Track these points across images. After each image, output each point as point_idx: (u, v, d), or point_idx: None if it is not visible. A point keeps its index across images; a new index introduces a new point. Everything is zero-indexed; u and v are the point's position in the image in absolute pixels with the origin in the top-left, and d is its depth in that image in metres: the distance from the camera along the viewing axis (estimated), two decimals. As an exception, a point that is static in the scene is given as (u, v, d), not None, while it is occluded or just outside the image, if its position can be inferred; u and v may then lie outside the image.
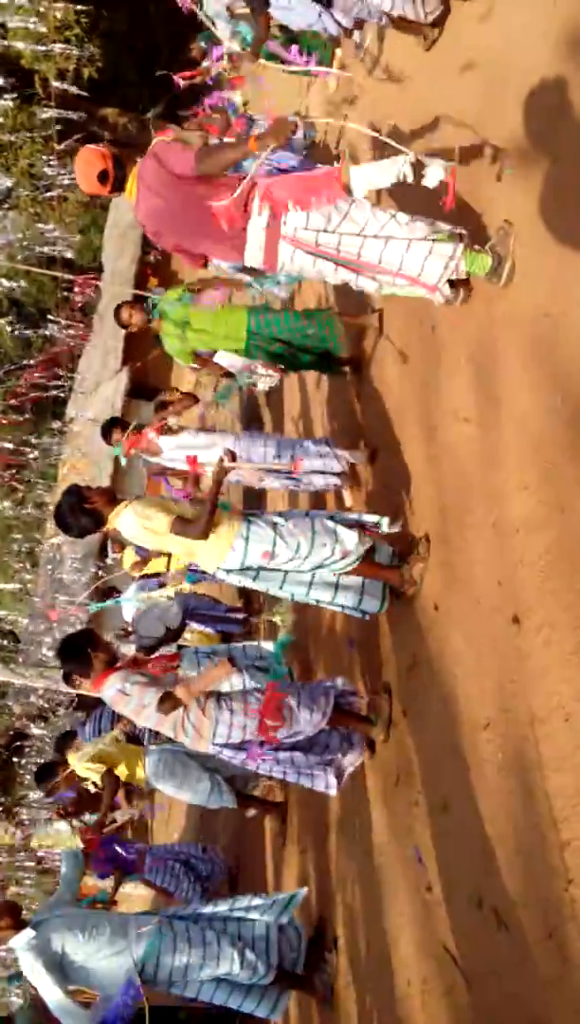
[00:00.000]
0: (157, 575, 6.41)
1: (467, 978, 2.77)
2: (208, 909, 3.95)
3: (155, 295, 5.34)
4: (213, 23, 5.90)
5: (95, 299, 14.46)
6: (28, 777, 11.31)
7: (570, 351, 2.67)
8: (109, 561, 7.01)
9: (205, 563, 3.70)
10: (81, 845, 5.07)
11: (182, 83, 7.27)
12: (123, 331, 12.74)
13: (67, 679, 4.39)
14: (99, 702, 4.83)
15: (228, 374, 5.67)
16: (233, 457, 3.73)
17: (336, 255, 3.27)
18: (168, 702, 3.62)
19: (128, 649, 5.28)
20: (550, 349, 2.79)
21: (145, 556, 6.49)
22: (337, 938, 4.01)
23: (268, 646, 4.13)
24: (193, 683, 3.68)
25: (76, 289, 14.46)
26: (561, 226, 2.87)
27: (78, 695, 11.01)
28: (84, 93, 11.54)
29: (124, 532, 3.76)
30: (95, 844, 5.12)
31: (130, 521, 3.66)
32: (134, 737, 5.30)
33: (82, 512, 3.69)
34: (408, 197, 4.41)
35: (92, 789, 5.33)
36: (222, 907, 3.94)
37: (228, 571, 3.68)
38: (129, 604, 6.20)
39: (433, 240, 3.21)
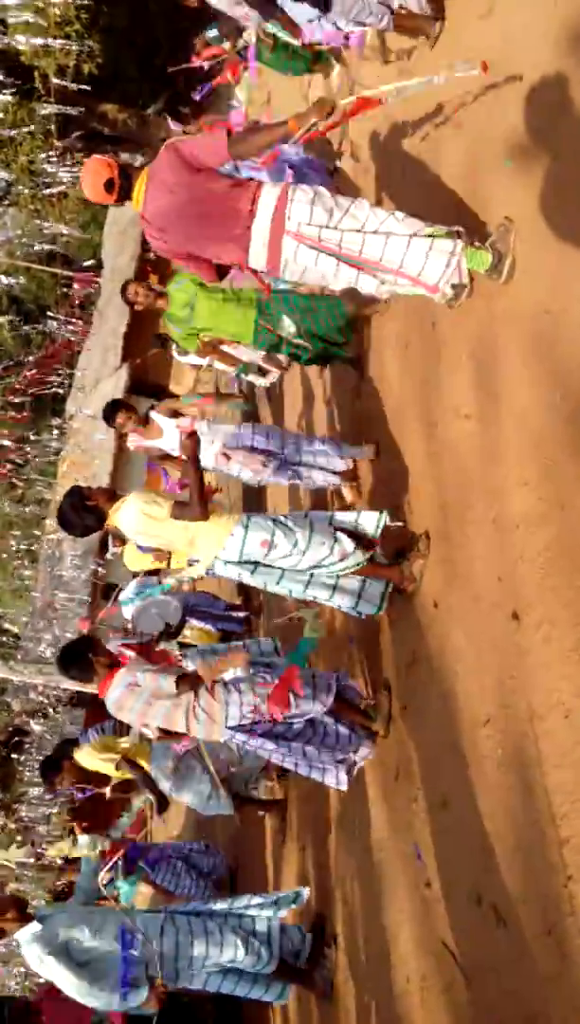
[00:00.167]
0: (157, 572, 6.41)
1: (466, 974, 2.78)
2: (209, 907, 3.96)
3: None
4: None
5: (95, 296, 14.45)
6: (28, 774, 11.33)
7: (570, 348, 2.67)
8: (109, 556, 7.00)
9: (204, 552, 3.70)
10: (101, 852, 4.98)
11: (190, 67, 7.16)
12: (123, 329, 12.81)
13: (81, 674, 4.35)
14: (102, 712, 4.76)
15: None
16: (192, 435, 3.83)
17: (338, 251, 3.27)
18: (186, 682, 3.62)
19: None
20: (550, 346, 2.79)
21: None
22: (337, 934, 4.02)
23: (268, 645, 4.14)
24: (211, 664, 3.69)
25: (76, 286, 14.45)
26: (562, 223, 2.87)
27: (77, 692, 11.03)
28: (86, 86, 11.48)
29: (124, 527, 3.77)
30: (116, 850, 5.02)
31: (131, 513, 3.68)
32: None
33: (85, 510, 3.75)
34: (408, 198, 4.41)
35: (107, 794, 5.27)
36: (222, 905, 3.96)
37: (226, 562, 3.68)
38: (129, 602, 6.20)
39: (432, 237, 3.21)
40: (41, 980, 4.69)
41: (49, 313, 14.28)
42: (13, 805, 11.53)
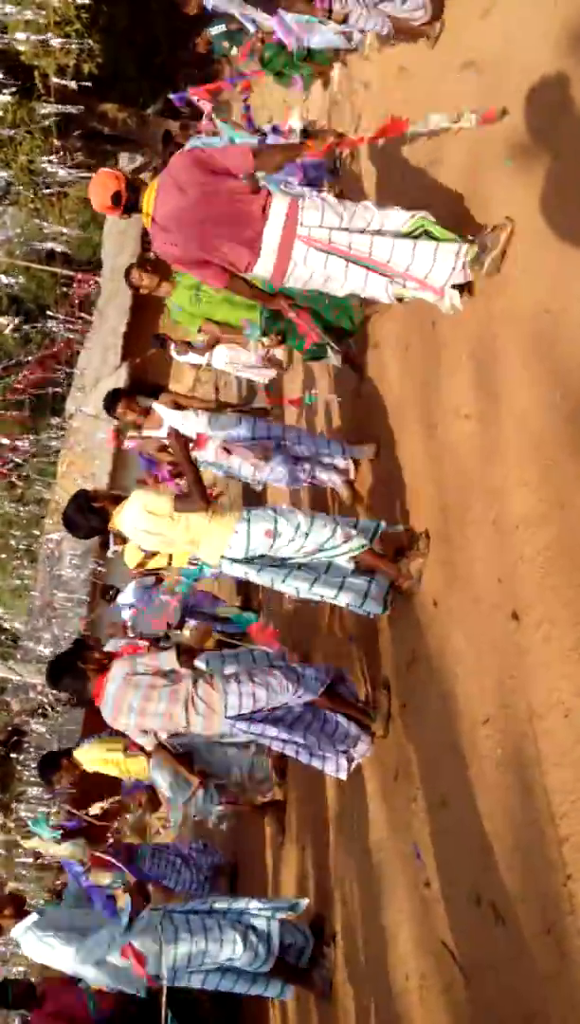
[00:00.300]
0: (157, 571, 6.40)
1: (465, 973, 2.78)
2: (206, 905, 3.96)
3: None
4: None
5: (94, 295, 14.45)
6: (27, 773, 11.32)
7: (570, 347, 2.67)
8: (110, 555, 7.00)
9: (209, 553, 3.71)
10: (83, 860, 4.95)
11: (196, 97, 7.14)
12: (123, 328, 12.81)
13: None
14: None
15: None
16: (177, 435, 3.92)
17: (348, 252, 3.29)
18: (187, 654, 3.66)
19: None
20: (550, 345, 2.80)
21: None
22: (336, 934, 4.02)
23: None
24: (201, 629, 3.73)
25: (75, 285, 14.45)
26: (562, 222, 2.87)
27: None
28: (87, 83, 11.47)
29: (127, 528, 3.77)
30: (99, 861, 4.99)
31: (134, 510, 3.69)
32: None
33: (91, 512, 3.80)
34: (408, 198, 4.41)
35: (95, 820, 5.21)
36: (221, 904, 3.96)
37: (232, 560, 3.68)
38: (128, 602, 6.20)
39: (438, 240, 3.26)
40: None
41: (49, 312, 14.28)
42: (12, 804, 11.52)
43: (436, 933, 3.01)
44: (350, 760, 3.85)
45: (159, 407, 5.17)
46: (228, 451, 4.76)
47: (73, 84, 11.35)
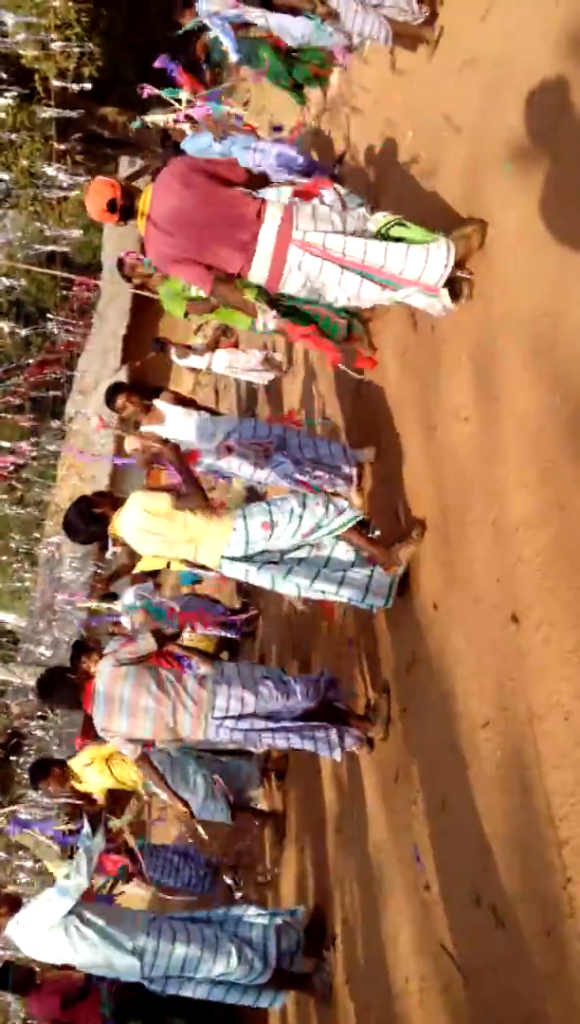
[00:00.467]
0: (154, 574, 6.39)
1: (464, 975, 2.78)
2: (204, 912, 3.98)
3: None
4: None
5: (94, 298, 14.46)
6: (26, 777, 11.30)
7: (569, 350, 2.68)
8: (109, 557, 7.00)
9: (208, 555, 3.71)
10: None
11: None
12: (123, 331, 12.81)
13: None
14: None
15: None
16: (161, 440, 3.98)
17: (342, 258, 3.32)
18: (164, 639, 3.82)
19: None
20: (550, 348, 2.80)
21: None
22: (335, 936, 4.02)
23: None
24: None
25: (75, 288, 14.47)
26: (562, 225, 2.87)
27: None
28: (87, 86, 11.51)
29: (126, 531, 3.78)
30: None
31: (133, 512, 3.70)
32: None
33: (91, 517, 3.84)
34: (408, 201, 4.42)
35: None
36: (218, 911, 3.97)
37: (233, 560, 3.69)
38: (127, 607, 6.18)
39: (426, 243, 3.31)
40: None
41: (49, 315, 14.30)
42: (11, 807, 11.50)
43: (436, 935, 3.01)
44: (342, 743, 3.87)
45: (161, 403, 5.16)
46: (230, 449, 4.76)
47: (73, 87, 11.39)
